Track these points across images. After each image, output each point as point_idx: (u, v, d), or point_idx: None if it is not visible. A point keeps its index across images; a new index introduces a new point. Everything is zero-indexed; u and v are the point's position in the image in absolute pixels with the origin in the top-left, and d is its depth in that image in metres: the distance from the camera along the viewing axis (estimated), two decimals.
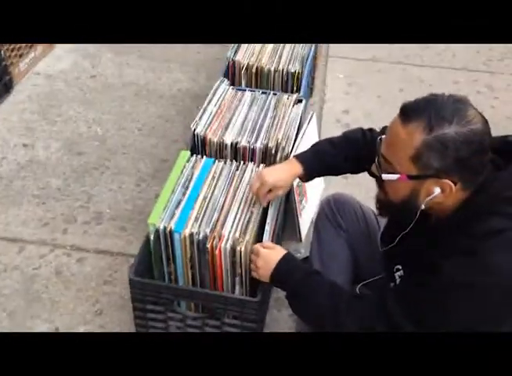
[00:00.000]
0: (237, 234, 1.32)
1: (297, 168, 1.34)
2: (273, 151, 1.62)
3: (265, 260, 1.23)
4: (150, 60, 2.84)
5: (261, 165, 1.52)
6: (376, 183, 1.12)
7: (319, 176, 1.42)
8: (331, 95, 2.63)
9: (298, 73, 1.97)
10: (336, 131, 1.50)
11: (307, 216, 1.87)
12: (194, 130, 1.68)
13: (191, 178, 1.47)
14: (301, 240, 1.82)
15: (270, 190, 1.34)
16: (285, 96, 1.84)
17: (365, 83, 2.73)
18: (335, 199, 1.49)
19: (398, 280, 1.18)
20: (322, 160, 1.35)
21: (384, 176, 1.05)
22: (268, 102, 1.82)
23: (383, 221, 1.39)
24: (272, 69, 1.99)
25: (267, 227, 1.35)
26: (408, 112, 1.00)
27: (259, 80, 2.03)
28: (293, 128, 1.69)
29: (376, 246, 1.39)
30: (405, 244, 1.16)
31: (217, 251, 1.30)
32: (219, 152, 1.67)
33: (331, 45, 2.96)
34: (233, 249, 1.29)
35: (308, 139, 1.72)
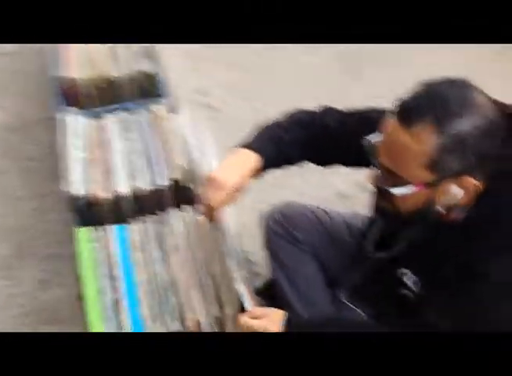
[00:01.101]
0: (215, 312, 1.06)
1: (253, 158, 1.07)
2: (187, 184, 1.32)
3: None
4: None
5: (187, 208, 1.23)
6: (377, 191, 0.96)
7: (274, 168, 1.15)
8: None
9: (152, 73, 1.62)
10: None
11: None
12: (70, 193, 1.27)
13: (110, 262, 1.13)
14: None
15: None
16: (155, 107, 1.50)
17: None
18: (282, 212, 1.29)
19: (412, 286, 1.05)
20: (279, 148, 1.10)
21: (395, 191, 0.88)
22: (140, 122, 1.47)
23: (354, 221, 1.26)
24: (120, 75, 1.60)
25: (240, 289, 1.10)
26: (407, 114, 0.83)
27: (107, 93, 1.63)
28: (190, 146, 1.39)
29: (343, 251, 1.27)
30: (413, 246, 1.02)
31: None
32: (116, 210, 1.31)
33: None
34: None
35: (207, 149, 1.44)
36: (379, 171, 0.92)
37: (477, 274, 0.88)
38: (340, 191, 1.83)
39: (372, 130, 0.98)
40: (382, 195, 0.95)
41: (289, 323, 1.01)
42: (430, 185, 0.86)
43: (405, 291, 1.09)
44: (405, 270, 1.07)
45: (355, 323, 1.09)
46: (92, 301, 1.06)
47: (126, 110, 1.51)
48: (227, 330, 1.06)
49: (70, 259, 1.11)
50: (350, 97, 2.01)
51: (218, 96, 2.14)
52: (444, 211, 0.91)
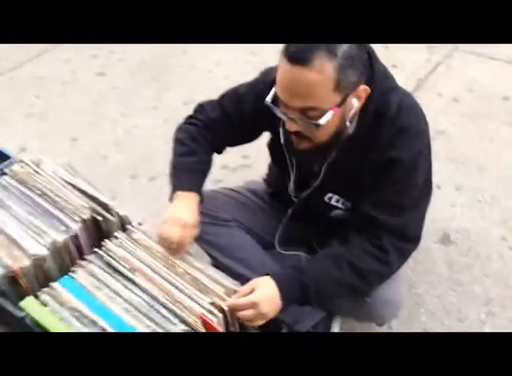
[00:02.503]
0: (207, 302, 1.10)
1: (192, 196, 1.19)
2: (100, 215, 1.29)
3: (266, 302, 1.09)
4: None
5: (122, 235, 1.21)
6: (295, 138, 1.12)
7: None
8: None
9: None
10: None
11: None
12: None
13: (79, 313, 1.07)
14: None
15: None
16: (10, 168, 1.39)
17: None
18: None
19: (341, 203, 1.25)
20: (200, 174, 1.24)
21: (322, 121, 1.04)
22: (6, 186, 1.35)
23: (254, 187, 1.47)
24: None
25: (216, 275, 1.16)
26: (301, 54, 0.98)
27: None
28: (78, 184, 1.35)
29: (260, 213, 1.43)
30: (329, 172, 1.21)
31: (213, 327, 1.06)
32: (42, 272, 1.21)
33: None
34: (225, 315, 1.09)
35: None
36: (289, 118, 1.08)
37: (391, 160, 1.11)
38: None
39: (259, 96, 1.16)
40: (300, 138, 1.11)
41: (278, 281, 1.11)
42: (340, 104, 1.05)
43: (336, 211, 1.29)
44: (330, 194, 1.27)
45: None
46: None
47: None
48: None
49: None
50: None
51: None
52: (348, 124, 1.11)
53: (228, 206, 1.40)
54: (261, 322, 1.10)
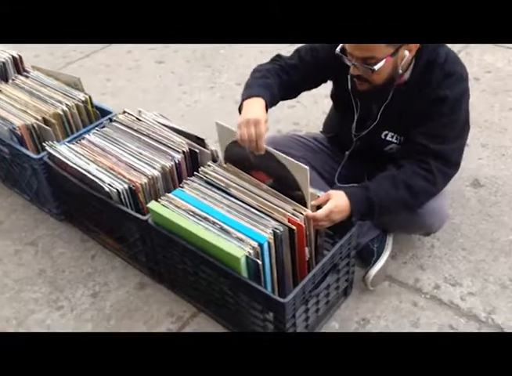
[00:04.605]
0: (290, 208, 1.37)
1: (259, 99, 1.40)
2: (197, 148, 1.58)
3: (338, 212, 1.33)
4: None
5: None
6: (357, 80, 1.41)
7: (269, 108, 1.47)
8: None
9: None
10: None
11: None
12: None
13: (192, 212, 1.36)
14: None
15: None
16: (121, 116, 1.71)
17: None
18: (273, 142, 1.58)
19: (395, 138, 1.52)
20: (271, 92, 1.45)
21: (376, 67, 1.33)
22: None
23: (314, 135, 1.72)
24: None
25: (308, 199, 1.36)
26: None
27: None
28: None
29: (321, 155, 1.71)
30: (385, 113, 1.50)
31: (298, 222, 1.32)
32: (153, 190, 1.51)
33: None
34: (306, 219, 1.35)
35: None
36: (353, 65, 1.38)
37: (439, 98, 1.39)
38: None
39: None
40: (361, 81, 1.41)
41: (350, 195, 1.36)
42: (393, 54, 1.34)
43: (390, 146, 1.56)
44: (385, 132, 1.54)
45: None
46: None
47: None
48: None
49: None
50: None
51: None
52: (401, 72, 1.42)
53: (296, 146, 1.68)
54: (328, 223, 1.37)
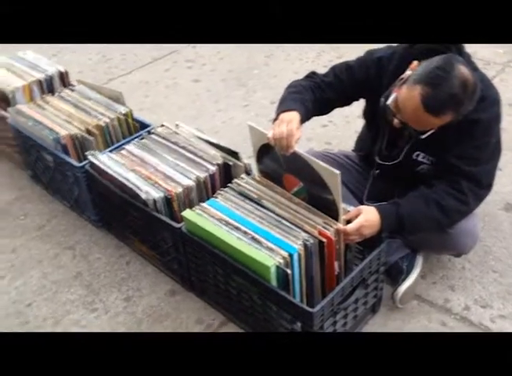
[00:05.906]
0: (321, 221, 1.39)
1: (296, 115, 1.42)
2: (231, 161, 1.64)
3: (368, 227, 1.36)
4: None
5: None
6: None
7: (304, 122, 1.50)
8: None
9: None
10: None
11: None
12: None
13: (226, 222, 1.40)
14: None
15: None
16: (159, 129, 1.78)
17: None
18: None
19: (426, 159, 1.52)
20: (305, 107, 1.48)
21: (426, 134, 1.39)
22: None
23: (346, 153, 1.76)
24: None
25: (339, 204, 1.37)
26: (436, 108, 1.28)
27: None
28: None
29: (352, 173, 1.73)
30: (420, 135, 1.48)
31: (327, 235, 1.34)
32: (186, 199, 1.57)
33: None
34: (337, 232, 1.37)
35: None
36: (398, 121, 1.38)
37: (472, 121, 1.39)
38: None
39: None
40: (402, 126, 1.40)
41: (381, 211, 1.38)
42: None
43: (422, 166, 1.56)
44: (417, 152, 1.54)
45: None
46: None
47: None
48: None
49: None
50: None
51: None
52: None
53: (328, 163, 1.71)
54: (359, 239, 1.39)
